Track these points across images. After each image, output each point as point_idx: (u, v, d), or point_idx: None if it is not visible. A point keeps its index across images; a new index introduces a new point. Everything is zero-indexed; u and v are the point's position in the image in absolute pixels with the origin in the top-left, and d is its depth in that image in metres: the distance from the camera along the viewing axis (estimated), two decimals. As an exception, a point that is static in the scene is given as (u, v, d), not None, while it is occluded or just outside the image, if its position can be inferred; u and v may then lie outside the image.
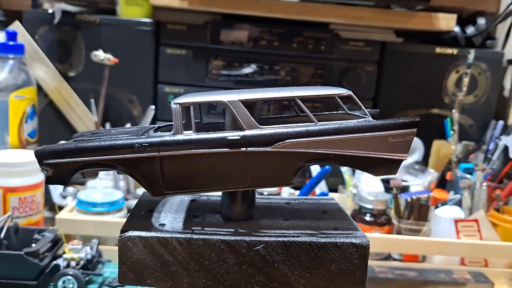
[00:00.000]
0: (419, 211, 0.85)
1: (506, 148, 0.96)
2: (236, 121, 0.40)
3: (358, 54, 1.08)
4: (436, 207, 0.94)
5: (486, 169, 0.96)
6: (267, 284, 0.39)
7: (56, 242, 0.72)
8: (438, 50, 1.09)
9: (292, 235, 0.40)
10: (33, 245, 0.70)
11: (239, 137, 0.39)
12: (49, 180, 0.40)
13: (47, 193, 0.91)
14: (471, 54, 1.04)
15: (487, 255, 0.83)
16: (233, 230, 0.41)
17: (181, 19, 1.05)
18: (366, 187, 0.91)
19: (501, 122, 1.07)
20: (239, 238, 0.39)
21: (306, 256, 0.39)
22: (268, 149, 0.39)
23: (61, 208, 0.86)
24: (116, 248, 0.81)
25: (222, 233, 0.40)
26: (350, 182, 0.97)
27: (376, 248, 0.82)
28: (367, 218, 0.86)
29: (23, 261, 0.65)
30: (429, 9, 1.04)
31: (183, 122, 0.40)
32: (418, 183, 0.99)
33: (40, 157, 0.40)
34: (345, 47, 1.07)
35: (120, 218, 0.82)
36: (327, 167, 0.94)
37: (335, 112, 0.49)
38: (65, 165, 0.39)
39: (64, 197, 0.94)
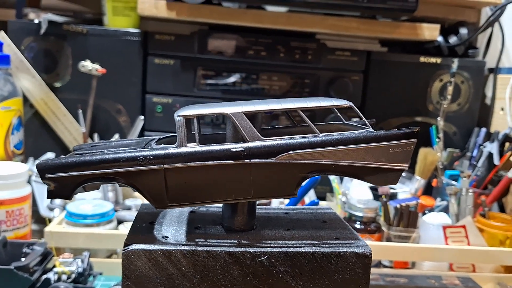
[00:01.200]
0: (408, 218, 0.87)
1: (490, 155, 0.99)
2: (238, 133, 0.40)
3: (344, 64, 1.09)
4: (424, 213, 0.95)
5: (472, 176, 0.98)
6: None
7: (46, 256, 0.71)
8: (422, 59, 1.11)
9: (295, 245, 0.41)
10: (23, 259, 0.69)
11: (242, 149, 0.39)
12: (51, 194, 0.40)
13: (34, 205, 0.89)
14: (455, 63, 1.07)
15: (475, 260, 0.85)
16: (236, 241, 0.41)
17: (168, 30, 1.05)
18: (355, 195, 0.92)
19: (484, 130, 1.10)
20: (243, 249, 0.40)
21: (310, 266, 0.40)
22: (271, 160, 0.39)
23: (49, 220, 0.85)
24: (107, 260, 0.80)
25: (226, 244, 0.40)
26: (338, 190, 0.98)
27: (367, 256, 0.83)
28: (357, 225, 0.87)
29: (12, 276, 0.64)
30: (413, 20, 1.06)
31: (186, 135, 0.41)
32: (406, 190, 1.00)
33: (43, 171, 0.39)
34: (332, 57, 1.09)
35: (110, 230, 0.81)
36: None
37: (332, 122, 0.49)
38: (68, 179, 0.39)
39: (52, 209, 0.92)
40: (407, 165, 0.41)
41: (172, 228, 0.43)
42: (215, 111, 0.41)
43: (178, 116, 0.40)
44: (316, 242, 0.42)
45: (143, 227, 0.44)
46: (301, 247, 0.40)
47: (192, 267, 0.39)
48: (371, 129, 0.41)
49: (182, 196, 0.40)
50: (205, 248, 0.39)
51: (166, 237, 0.41)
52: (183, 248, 0.39)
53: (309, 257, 0.40)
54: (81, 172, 0.39)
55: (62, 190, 0.40)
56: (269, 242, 0.41)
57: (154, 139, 0.46)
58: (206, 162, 0.39)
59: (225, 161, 0.39)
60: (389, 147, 0.40)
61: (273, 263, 0.40)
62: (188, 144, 0.39)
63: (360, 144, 0.40)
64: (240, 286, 0.40)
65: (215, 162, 0.39)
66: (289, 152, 0.39)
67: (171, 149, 0.39)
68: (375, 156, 0.40)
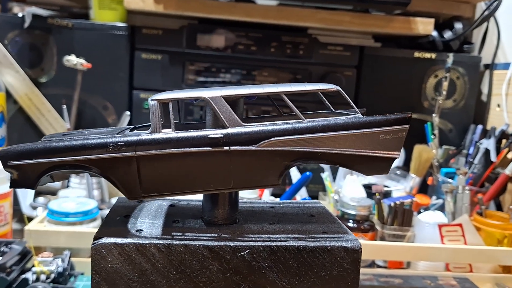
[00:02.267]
0: (402, 216, 0.84)
1: (487, 152, 0.96)
2: (217, 119, 0.38)
3: (337, 59, 1.07)
4: (419, 212, 0.92)
5: (468, 173, 0.96)
6: None
7: (25, 255, 0.68)
8: (417, 54, 1.09)
9: (279, 239, 0.38)
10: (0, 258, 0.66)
11: (221, 135, 0.36)
12: (14, 184, 0.37)
13: (16, 204, 0.86)
14: (450, 58, 1.05)
15: (472, 259, 0.82)
16: (216, 235, 0.38)
17: (156, 24, 1.02)
18: (348, 192, 0.89)
19: (480, 126, 1.07)
20: (222, 243, 0.37)
21: (295, 262, 0.37)
22: (253, 148, 0.37)
23: (30, 219, 0.82)
24: (90, 260, 0.77)
25: (205, 238, 0.37)
26: (331, 188, 0.95)
27: (360, 255, 0.80)
28: (350, 224, 0.84)
29: (-12, 276, 0.61)
30: (406, 14, 1.04)
31: (161, 122, 0.38)
32: (400, 188, 0.98)
33: (4, 158, 0.36)
34: (324, 52, 1.06)
35: (94, 228, 0.78)
36: (307, 173, 0.92)
37: (320, 111, 0.47)
38: (32, 166, 0.36)
39: (34, 208, 0.89)
40: (399, 153, 0.38)
41: (148, 222, 0.41)
42: (192, 95, 0.38)
43: (152, 100, 0.37)
44: (302, 236, 0.39)
45: (117, 220, 0.41)
46: (285, 241, 0.38)
47: (167, 262, 0.36)
48: (359, 115, 0.39)
49: (157, 186, 0.37)
50: (182, 242, 0.37)
51: (141, 230, 0.39)
52: (157, 242, 0.36)
53: (294, 252, 0.37)
54: (45, 160, 0.36)
55: (25, 179, 0.37)
56: (251, 236, 0.38)
57: (129, 127, 0.43)
58: (182, 149, 0.36)
59: (202, 148, 0.36)
60: (380, 133, 0.38)
61: (255, 258, 0.37)
62: (163, 130, 0.37)
63: (349, 130, 0.37)
64: (219, 283, 0.37)
65: (192, 149, 0.36)
66: (272, 139, 0.37)
67: (144, 135, 0.36)
68: (364, 144, 0.38)
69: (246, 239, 0.38)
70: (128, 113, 0.94)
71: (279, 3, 1.02)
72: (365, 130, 0.37)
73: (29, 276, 0.65)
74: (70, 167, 0.36)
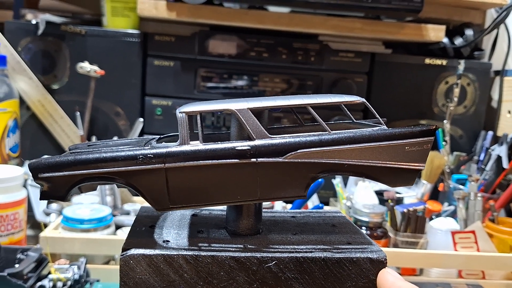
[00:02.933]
0: (415, 223, 0.84)
1: (499, 158, 0.96)
2: (243, 130, 0.38)
3: (348, 65, 1.07)
4: (431, 218, 0.92)
5: (480, 180, 0.96)
6: None
7: (41, 262, 0.68)
8: (427, 61, 1.09)
9: (304, 250, 0.38)
10: (17, 265, 0.67)
11: (249, 147, 0.37)
12: (44, 195, 0.37)
13: (29, 210, 0.87)
14: (462, 65, 1.05)
15: (485, 267, 0.82)
16: (242, 246, 0.38)
17: (168, 30, 1.03)
18: (360, 199, 0.89)
19: (490, 133, 1.07)
20: (249, 254, 0.37)
21: (321, 273, 0.37)
22: (280, 159, 0.37)
23: (45, 225, 0.83)
24: (105, 266, 0.78)
25: (231, 249, 0.38)
26: (343, 195, 0.96)
27: (374, 262, 0.80)
28: (363, 231, 0.84)
29: (6, 283, 0.61)
30: (417, 21, 1.04)
31: (189, 133, 0.38)
32: (412, 195, 0.98)
33: (35, 170, 0.37)
34: (335, 58, 1.07)
35: (108, 235, 0.78)
36: (319, 179, 0.92)
37: (341, 121, 0.47)
38: (63, 178, 0.36)
39: (48, 214, 0.90)
40: (424, 164, 0.39)
41: (174, 232, 0.41)
42: (220, 108, 0.39)
43: (180, 112, 0.37)
44: (326, 247, 0.39)
45: (143, 230, 0.41)
46: (311, 252, 0.38)
47: (195, 273, 0.37)
48: (385, 127, 0.39)
49: (185, 197, 0.37)
50: (209, 253, 0.37)
51: (168, 241, 0.39)
52: (185, 253, 0.37)
53: (320, 263, 0.37)
54: (76, 172, 0.36)
55: (56, 191, 0.37)
56: (277, 246, 0.39)
57: (154, 138, 0.43)
58: (210, 161, 0.36)
59: (230, 160, 0.36)
60: (405, 145, 0.38)
61: (282, 269, 0.37)
62: (191, 142, 0.37)
63: (375, 142, 0.37)
64: None
65: (220, 161, 0.36)
66: (298, 151, 0.37)
67: (173, 147, 0.37)
68: (390, 156, 0.38)
69: (272, 250, 0.38)
70: (141, 119, 0.95)
71: (291, 11, 1.03)
72: (391, 142, 0.38)
73: (46, 283, 0.66)
74: (100, 179, 0.37)
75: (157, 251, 0.36)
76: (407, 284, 0.36)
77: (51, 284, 0.66)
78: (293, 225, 0.44)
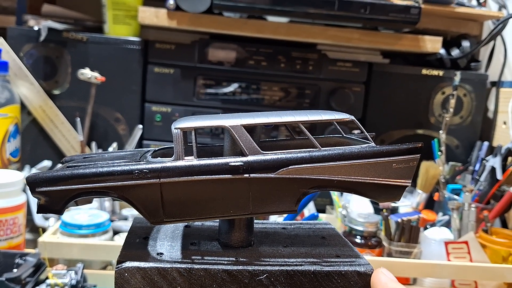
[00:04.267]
0: (409, 233, 0.85)
1: (493, 169, 0.97)
2: (237, 146, 0.39)
3: (345, 75, 1.08)
4: (425, 228, 0.93)
5: (474, 190, 0.97)
6: None
7: (39, 267, 0.69)
8: (424, 71, 1.11)
9: (294, 263, 0.39)
10: (15, 270, 0.67)
11: (242, 163, 0.38)
12: (41, 209, 0.38)
13: (29, 214, 0.88)
14: (458, 76, 1.06)
15: (478, 277, 0.83)
16: (234, 258, 0.39)
17: (169, 38, 1.04)
18: (355, 208, 0.90)
19: (486, 143, 1.08)
20: (241, 267, 0.38)
21: (310, 286, 0.38)
22: (272, 175, 0.38)
23: (43, 230, 0.84)
24: (102, 272, 0.78)
25: (224, 262, 0.39)
26: (339, 203, 0.97)
27: (367, 271, 0.81)
28: (358, 240, 0.85)
29: None
30: (415, 32, 1.05)
31: (183, 148, 0.39)
32: (407, 204, 0.99)
33: (33, 184, 0.38)
34: (333, 68, 1.08)
35: (106, 241, 0.80)
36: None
37: (331, 135, 0.48)
38: (60, 193, 0.37)
39: (47, 218, 0.91)
40: (410, 181, 0.40)
41: (167, 244, 0.42)
42: (214, 124, 0.40)
43: (175, 128, 0.39)
44: (316, 260, 0.40)
45: (137, 242, 0.42)
46: (301, 265, 0.39)
47: (188, 285, 0.38)
48: (373, 144, 0.40)
49: (179, 211, 0.38)
50: (202, 266, 0.38)
51: (161, 253, 0.40)
52: (179, 266, 0.38)
53: (309, 276, 0.38)
54: (73, 186, 0.37)
55: (53, 205, 0.38)
56: (268, 259, 0.40)
57: (149, 151, 0.44)
58: (204, 176, 0.37)
59: (223, 176, 0.38)
60: (393, 162, 0.39)
61: (272, 282, 0.38)
62: (186, 158, 0.38)
63: (363, 159, 0.39)
64: None
65: (213, 176, 0.38)
66: (290, 167, 0.38)
67: (168, 163, 0.38)
68: (377, 172, 0.39)
69: (263, 263, 0.39)
70: (140, 126, 0.96)
71: (290, 20, 1.04)
72: (379, 159, 0.39)
73: (44, 288, 0.67)
74: (96, 193, 0.38)
75: (151, 264, 0.38)
76: (399, 286, 0.37)
77: (48, 289, 0.67)
78: (284, 237, 0.45)
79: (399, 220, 0.86)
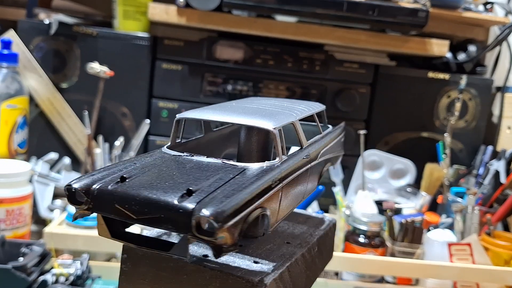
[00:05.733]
0: (413, 234, 0.85)
1: (497, 173, 0.98)
2: (268, 146, 0.43)
3: (352, 76, 1.09)
4: (428, 230, 0.94)
5: (478, 193, 0.97)
6: None
7: (45, 256, 0.70)
8: (431, 74, 1.11)
9: None
10: (21, 259, 0.68)
11: (308, 155, 0.42)
12: (221, 251, 0.31)
13: (34, 206, 0.88)
14: (464, 80, 1.06)
15: (479, 279, 0.83)
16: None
17: (178, 35, 1.05)
18: (359, 208, 0.90)
19: (490, 148, 1.09)
20: None
21: None
22: (317, 161, 0.45)
23: (49, 221, 0.84)
24: (106, 263, 0.79)
25: None
26: (342, 203, 0.97)
27: (370, 271, 0.82)
28: (361, 239, 0.85)
29: (10, 276, 0.63)
30: (421, 35, 1.06)
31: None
32: (411, 206, 0.99)
33: (224, 220, 0.30)
34: (340, 68, 1.08)
35: (111, 233, 0.80)
36: (320, 187, 0.94)
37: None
38: (240, 222, 0.32)
39: (52, 210, 0.91)
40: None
41: None
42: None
43: (274, 129, 0.38)
44: None
45: None
46: None
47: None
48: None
49: (282, 215, 0.39)
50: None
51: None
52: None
53: None
54: (245, 211, 0.32)
55: (235, 239, 0.31)
56: None
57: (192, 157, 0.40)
58: (298, 171, 0.40)
59: (303, 169, 0.41)
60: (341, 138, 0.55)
61: None
62: (282, 157, 0.39)
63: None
64: None
65: (301, 170, 0.41)
66: (321, 153, 0.45)
67: (278, 164, 0.38)
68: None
69: None
70: (148, 121, 0.97)
71: (298, 20, 1.05)
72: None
73: (48, 277, 0.67)
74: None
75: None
76: None
77: (53, 278, 0.67)
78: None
79: (403, 220, 0.87)
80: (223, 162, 0.37)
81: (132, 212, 0.32)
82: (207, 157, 0.39)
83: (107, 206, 0.33)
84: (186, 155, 0.40)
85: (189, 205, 0.30)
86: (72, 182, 0.34)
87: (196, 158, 0.39)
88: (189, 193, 0.32)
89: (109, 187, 0.33)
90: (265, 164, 0.37)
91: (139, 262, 0.38)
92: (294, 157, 0.40)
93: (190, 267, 0.36)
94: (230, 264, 0.37)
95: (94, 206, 0.34)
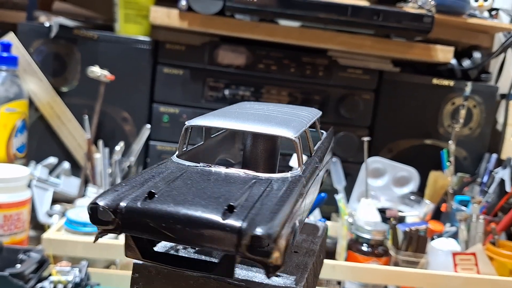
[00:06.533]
0: (417, 243, 0.84)
1: (502, 182, 0.96)
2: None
3: (355, 82, 1.08)
4: (432, 238, 0.92)
5: (482, 202, 0.96)
6: None
7: (43, 263, 0.69)
8: (435, 81, 1.10)
9: None
10: (18, 265, 0.67)
11: (317, 161, 0.43)
12: (274, 269, 0.30)
13: (32, 211, 0.87)
14: (468, 87, 1.05)
15: (485, 289, 0.82)
16: None
17: (179, 39, 1.04)
18: (362, 216, 0.89)
19: (494, 155, 1.07)
20: None
21: None
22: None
23: (47, 227, 0.83)
24: (105, 270, 0.77)
25: None
26: (345, 211, 0.96)
27: (373, 280, 0.80)
28: (364, 248, 0.84)
29: (7, 283, 0.62)
30: (426, 41, 1.05)
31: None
32: (414, 214, 0.98)
33: (276, 237, 0.29)
34: (343, 74, 1.07)
35: (110, 240, 0.79)
36: (322, 194, 0.93)
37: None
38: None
39: (51, 215, 0.90)
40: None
41: None
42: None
43: (295, 137, 0.38)
44: None
45: None
46: None
47: None
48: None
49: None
50: None
51: None
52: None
53: None
54: (291, 226, 0.32)
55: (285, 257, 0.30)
56: None
57: (195, 165, 0.38)
58: (312, 180, 0.40)
59: (315, 177, 0.41)
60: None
61: None
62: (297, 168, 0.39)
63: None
64: None
65: (314, 178, 0.41)
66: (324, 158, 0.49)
67: (300, 174, 0.37)
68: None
69: None
70: (148, 126, 0.96)
71: (301, 25, 1.04)
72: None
73: (46, 285, 0.66)
74: None
75: None
76: None
77: (51, 286, 0.66)
78: None
79: (407, 229, 0.85)
80: (244, 173, 0.36)
81: (171, 231, 0.30)
82: (226, 168, 0.37)
83: (139, 226, 0.31)
84: (203, 166, 0.38)
85: (235, 223, 0.29)
86: (97, 200, 0.31)
87: (215, 169, 0.37)
88: (230, 209, 0.30)
89: (139, 204, 0.31)
90: (289, 174, 0.36)
91: (153, 281, 0.36)
92: (309, 166, 0.40)
93: (213, 284, 0.34)
94: (253, 279, 0.36)
95: (123, 226, 0.31)
